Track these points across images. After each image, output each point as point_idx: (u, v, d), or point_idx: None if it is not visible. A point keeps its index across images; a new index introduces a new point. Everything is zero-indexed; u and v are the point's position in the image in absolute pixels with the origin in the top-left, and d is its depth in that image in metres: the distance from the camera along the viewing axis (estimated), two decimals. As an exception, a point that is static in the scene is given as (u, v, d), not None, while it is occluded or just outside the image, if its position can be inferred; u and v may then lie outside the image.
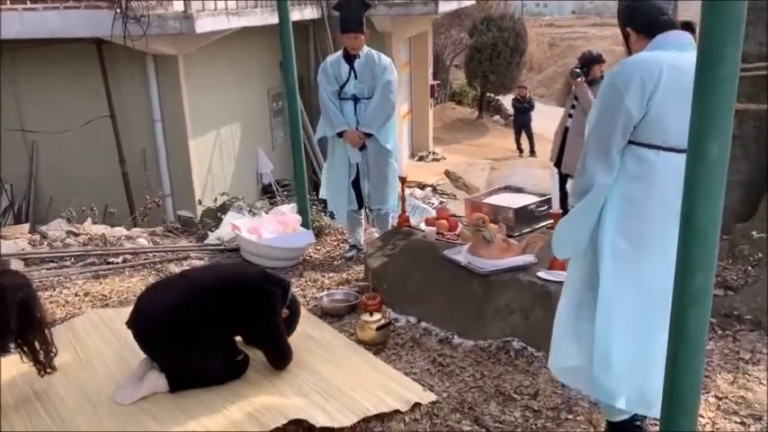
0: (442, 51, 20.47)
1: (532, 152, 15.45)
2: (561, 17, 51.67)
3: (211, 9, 6.44)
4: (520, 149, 15.70)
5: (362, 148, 4.57)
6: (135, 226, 5.77)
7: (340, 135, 4.53)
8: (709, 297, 1.72)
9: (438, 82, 17.17)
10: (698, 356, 1.76)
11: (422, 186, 11.29)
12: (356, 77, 4.46)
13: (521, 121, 15.64)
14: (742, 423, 2.68)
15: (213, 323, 2.85)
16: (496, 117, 20.52)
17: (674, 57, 2.12)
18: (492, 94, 20.37)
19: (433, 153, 14.47)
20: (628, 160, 2.18)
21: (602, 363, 2.24)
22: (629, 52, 2.32)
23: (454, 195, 11.15)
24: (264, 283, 3.02)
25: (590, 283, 2.29)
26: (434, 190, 11.16)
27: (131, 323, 2.88)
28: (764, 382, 2.94)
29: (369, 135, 4.50)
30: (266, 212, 5.26)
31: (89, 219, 5.34)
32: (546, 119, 16.37)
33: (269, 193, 8.62)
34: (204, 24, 6.18)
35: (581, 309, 2.33)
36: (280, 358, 3.03)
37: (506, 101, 19.98)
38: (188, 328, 2.80)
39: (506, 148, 16.23)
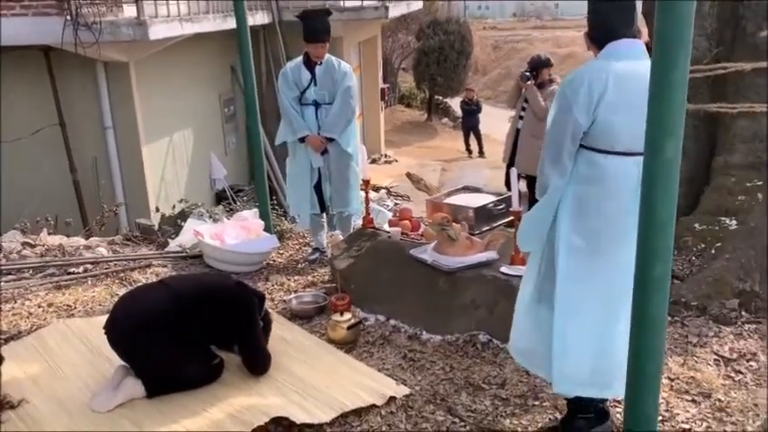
0: (390, 55, 20.69)
1: (481, 153, 15.78)
2: (503, 20, 52.73)
3: (164, 15, 6.39)
4: (469, 150, 16.01)
5: (324, 152, 4.64)
6: (91, 235, 5.69)
7: (302, 140, 4.60)
8: (667, 285, 1.88)
9: (388, 85, 17.35)
10: (659, 340, 1.92)
11: (376, 189, 11.41)
12: (316, 84, 4.54)
13: (469, 123, 15.97)
14: (693, 401, 2.88)
15: (193, 330, 2.89)
16: (445, 119, 20.86)
17: (624, 65, 2.25)
18: (440, 97, 20.71)
19: (385, 155, 14.62)
20: (580, 163, 2.32)
21: (561, 351, 2.39)
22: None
23: (408, 197, 11.30)
24: (244, 293, 3.09)
25: (548, 274, 2.45)
26: (389, 192, 11.29)
27: (108, 329, 2.89)
28: (711, 363, 3.17)
29: (330, 140, 4.58)
30: (228, 218, 5.27)
31: (45, 229, 5.24)
32: (493, 120, 16.76)
33: (223, 199, 8.59)
34: (158, 31, 6.14)
35: (540, 297, 2.49)
36: (260, 365, 3.09)
37: (454, 103, 20.34)
38: (167, 335, 2.83)
39: (456, 150, 16.52)
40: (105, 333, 2.90)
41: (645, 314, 1.93)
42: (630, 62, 2.25)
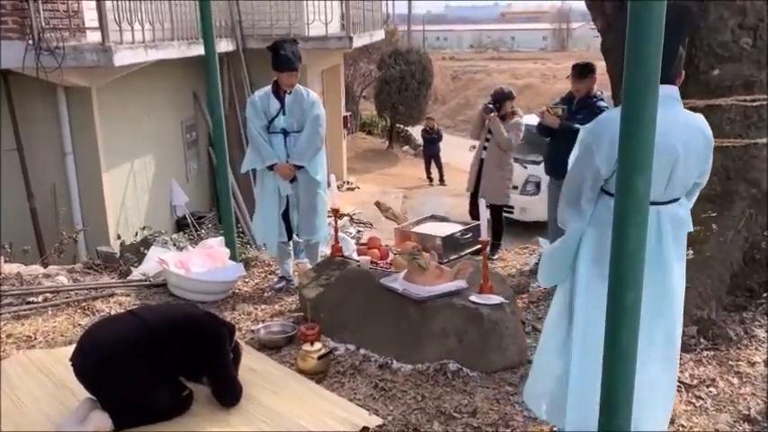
0: (352, 83, 20.88)
1: (442, 181, 15.99)
2: (461, 51, 53.94)
3: (129, 41, 6.35)
4: (430, 179, 16.21)
5: (293, 180, 4.66)
6: (49, 263, 5.55)
7: (270, 168, 4.61)
8: (638, 313, 1.96)
9: (350, 113, 17.49)
10: (630, 366, 1.99)
11: (339, 216, 11.41)
12: (285, 113, 4.57)
13: (430, 152, 16.19)
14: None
15: (163, 362, 2.85)
16: (406, 147, 21.09)
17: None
18: (401, 125, 20.96)
19: (348, 182, 14.68)
20: (600, 206, 2.35)
21: (578, 398, 2.38)
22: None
23: (371, 224, 11.35)
24: (213, 324, 3.07)
25: (567, 316, 2.48)
26: (351, 219, 11.31)
27: (75, 360, 2.82)
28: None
29: (299, 167, 4.60)
30: (192, 246, 5.21)
31: (1, 257, 5.09)
32: (453, 149, 17.03)
33: (184, 226, 8.48)
34: (122, 57, 6.09)
35: (560, 341, 2.51)
36: (231, 396, 3.07)
37: (415, 131, 20.60)
38: (137, 366, 2.78)
39: (417, 177, 16.70)
40: (72, 364, 2.83)
41: (616, 342, 1.99)
42: (663, 110, 2.19)
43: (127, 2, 6.39)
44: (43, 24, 5.87)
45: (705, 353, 3.56)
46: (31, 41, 5.82)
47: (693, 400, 3.16)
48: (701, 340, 3.64)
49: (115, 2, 6.16)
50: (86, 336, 2.93)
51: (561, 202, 2.42)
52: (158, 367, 2.84)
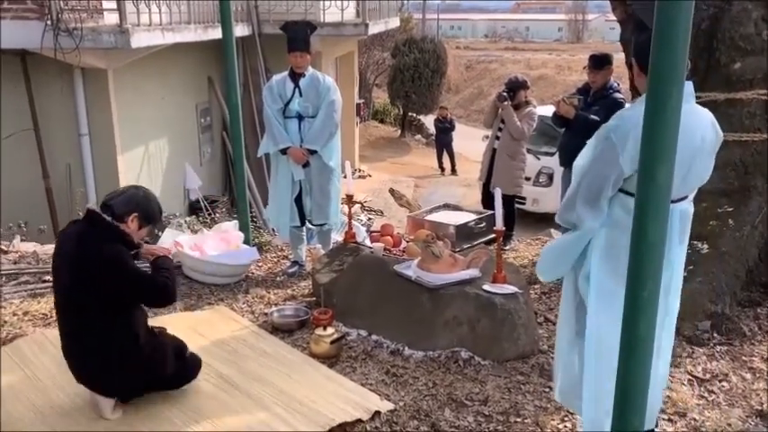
0: (365, 71, 20.82)
1: (453, 171, 15.95)
2: (475, 40, 53.58)
3: (146, 24, 6.36)
4: (442, 168, 16.16)
5: (306, 165, 4.67)
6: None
7: (284, 152, 4.62)
8: (656, 306, 1.95)
9: (363, 101, 17.45)
10: (647, 358, 1.99)
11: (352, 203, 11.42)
12: (301, 95, 4.57)
13: (442, 141, 16.13)
14: (669, 420, 2.97)
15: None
16: (418, 136, 21.02)
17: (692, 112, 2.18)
18: (414, 114, 20.88)
19: (359, 170, 14.67)
20: (615, 207, 2.29)
21: (592, 395, 2.37)
22: (632, 81, 2.41)
23: (381, 212, 11.35)
24: (104, 253, 2.69)
25: (581, 308, 2.45)
26: (363, 207, 11.32)
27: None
28: (685, 383, 3.26)
29: (313, 152, 4.60)
30: (207, 229, 5.24)
31: (18, 236, 5.14)
32: (465, 139, 16.98)
33: (197, 209, 8.52)
34: (140, 39, 6.11)
35: (575, 337, 2.49)
36: (160, 297, 2.89)
37: (428, 120, 20.53)
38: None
39: (429, 167, 16.66)
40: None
41: (633, 334, 1.99)
42: (692, 106, 2.19)
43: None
44: (62, 5, 5.88)
45: (718, 347, 3.56)
46: (49, 22, 5.84)
47: (706, 395, 3.16)
48: (715, 335, 3.63)
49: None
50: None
51: (576, 200, 2.34)
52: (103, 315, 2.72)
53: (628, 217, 2.12)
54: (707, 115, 2.37)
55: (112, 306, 2.70)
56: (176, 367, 2.97)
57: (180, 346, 3.05)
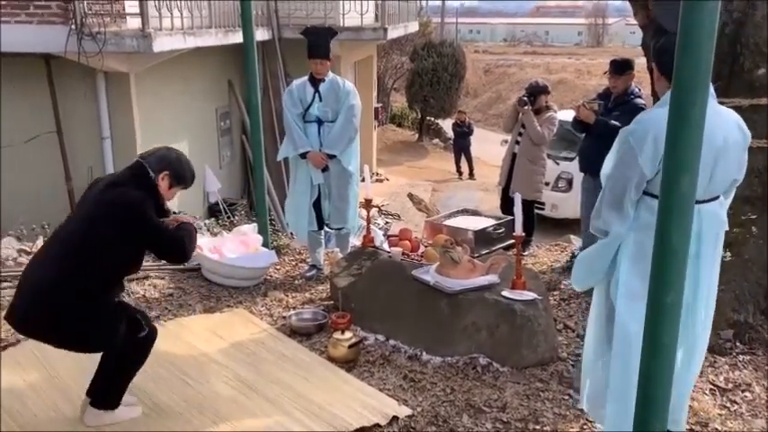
0: (383, 75, 20.84)
1: (471, 175, 15.90)
2: (494, 44, 53.47)
3: (168, 28, 6.43)
4: (459, 172, 16.13)
5: (325, 169, 4.68)
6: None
7: (303, 156, 4.64)
8: (679, 312, 1.93)
9: (381, 105, 17.47)
10: (669, 365, 1.97)
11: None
12: (321, 100, 4.59)
13: (460, 145, 16.10)
14: (691, 430, 2.93)
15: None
16: (436, 140, 21.00)
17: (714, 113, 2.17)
18: (432, 118, 20.86)
19: (377, 174, 14.69)
20: (642, 210, 2.31)
21: (617, 395, 2.37)
22: (653, 86, 2.42)
23: (399, 216, 11.35)
24: (129, 195, 2.70)
25: (610, 318, 2.45)
26: (380, 211, 11.33)
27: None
28: (707, 392, 3.22)
29: (332, 157, 4.62)
30: (226, 232, 5.27)
31: (40, 237, 5.21)
32: (483, 143, 16.93)
33: (216, 212, 8.58)
34: (162, 43, 6.17)
35: (603, 346, 2.48)
36: (177, 253, 2.86)
37: (445, 124, 20.50)
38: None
39: (446, 171, 16.63)
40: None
41: (656, 341, 1.97)
42: (715, 105, 2.20)
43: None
44: (86, 10, 5.97)
45: (741, 357, 3.51)
46: (73, 26, 5.92)
47: (728, 405, 3.12)
48: (737, 344, 3.58)
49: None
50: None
51: (602, 205, 2.36)
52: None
53: (654, 218, 2.10)
54: (731, 116, 2.36)
55: (111, 256, 2.65)
56: (124, 344, 2.77)
57: (136, 325, 2.83)
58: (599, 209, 2.38)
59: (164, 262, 5.03)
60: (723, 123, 2.29)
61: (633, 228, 2.33)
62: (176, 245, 2.80)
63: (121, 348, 2.74)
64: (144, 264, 4.97)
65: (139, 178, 2.75)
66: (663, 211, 1.86)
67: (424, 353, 3.54)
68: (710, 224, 2.33)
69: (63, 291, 2.60)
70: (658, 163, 2.17)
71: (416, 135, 20.75)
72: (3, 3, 6.00)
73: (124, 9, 6.58)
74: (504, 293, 3.50)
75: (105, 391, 2.81)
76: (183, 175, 2.89)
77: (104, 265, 2.66)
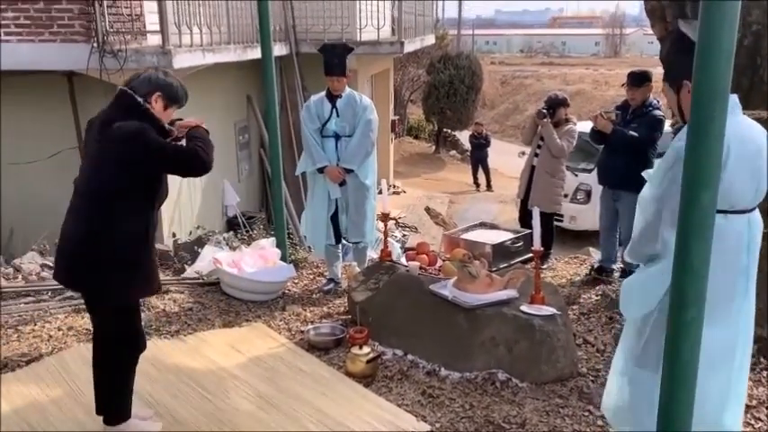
0: (400, 87, 20.92)
1: (489, 187, 15.87)
2: (510, 55, 53.49)
3: (188, 44, 6.52)
4: (477, 184, 16.10)
5: (342, 183, 4.71)
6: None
7: (321, 171, 4.67)
8: (700, 330, 1.91)
9: (398, 117, 17.53)
10: (691, 383, 1.94)
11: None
12: (338, 115, 4.63)
13: (478, 157, 16.08)
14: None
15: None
16: (453, 152, 21.01)
17: (733, 123, 2.13)
18: (449, 130, 20.89)
19: (394, 186, 14.71)
20: None
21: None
22: (679, 103, 2.35)
23: (416, 228, 11.35)
24: (124, 127, 2.62)
25: (654, 338, 2.30)
26: (397, 223, 11.33)
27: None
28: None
29: (349, 171, 4.65)
30: (245, 246, 5.31)
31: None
32: (500, 155, 16.91)
33: (234, 225, 8.65)
34: (182, 60, 6.25)
35: (643, 362, 2.36)
36: (195, 164, 2.75)
37: (462, 136, 20.51)
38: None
39: (463, 182, 16.62)
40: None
41: (677, 359, 1.95)
42: (735, 117, 2.16)
43: (187, 6, 6.55)
44: (107, 28, 6.07)
45: (765, 373, 3.45)
46: (95, 44, 6.03)
47: (752, 422, 3.07)
48: (761, 359, 3.52)
49: (175, 2, 6.32)
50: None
51: (661, 228, 2.23)
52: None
53: (716, 231, 2.06)
54: (755, 122, 2.34)
55: (130, 192, 2.62)
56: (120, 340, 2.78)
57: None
58: (653, 232, 2.22)
59: (182, 276, 5.10)
60: (758, 131, 2.28)
61: None
62: (192, 157, 2.70)
63: (117, 346, 2.76)
64: (163, 278, 5.05)
65: (129, 107, 2.65)
66: (683, 229, 1.84)
67: (443, 368, 3.53)
68: (758, 233, 2.29)
69: (97, 239, 2.60)
70: (720, 172, 2.10)
71: (433, 147, 20.78)
72: (27, 22, 6.11)
73: (145, 26, 6.68)
74: (523, 308, 3.48)
75: (111, 402, 2.81)
76: (175, 93, 2.78)
77: (127, 203, 2.63)
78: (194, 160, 2.71)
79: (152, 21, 6.64)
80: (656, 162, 5.20)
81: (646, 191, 2.34)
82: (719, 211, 2.10)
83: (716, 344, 2.17)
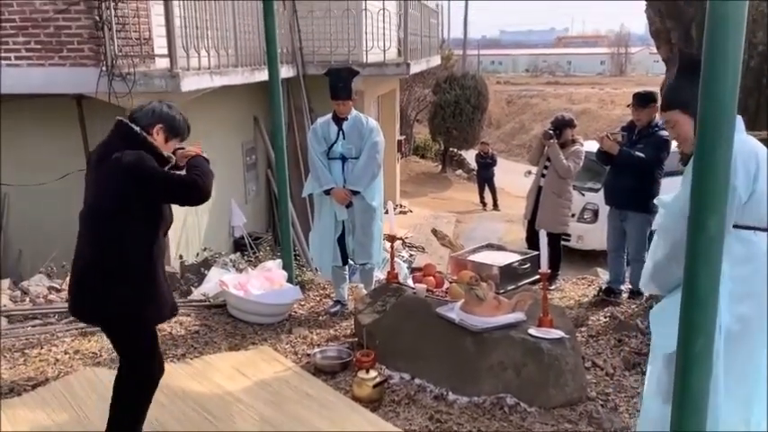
0: (406, 107, 21.03)
1: (495, 206, 15.85)
2: (516, 75, 53.73)
3: (195, 67, 6.58)
4: (483, 203, 16.09)
5: (349, 205, 4.72)
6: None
7: (327, 192, 4.68)
8: (710, 360, 1.89)
9: (404, 137, 17.59)
10: (701, 413, 1.91)
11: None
12: (344, 137, 4.65)
13: (484, 176, 16.09)
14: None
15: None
16: (459, 171, 21.03)
17: (748, 138, 2.20)
18: (455, 149, 20.93)
19: (400, 206, 14.71)
20: (733, 244, 2.19)
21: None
22: (679, 136, 2.36)
23: (423, 248, 11.32)
24: (124, 157, 2.62)
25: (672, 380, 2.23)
26: (404, 243, 11.30)
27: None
28: None
29: (355, 193, 4.66)
30: (252, 268, 5.31)
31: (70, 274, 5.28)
32: (506, 174, 16.91)
33: (241, 246, 8.66)
34: (189, 83, 6.30)
35: (664, 405, 2.29)
36: (193, 191, 2.76)
37: (469, 155, 20.54)
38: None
39: (470, 202, 16.60)
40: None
41: (686, 389, 1.93)
42: (740, 135, 2.15)
43: (195, 29, 6.63)
44: (116, 52, 6.14)
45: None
46: (104, 68, 6.09)
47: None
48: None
49: (183, 26, 6.39)
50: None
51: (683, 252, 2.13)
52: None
53: (747, 250, 2.11)
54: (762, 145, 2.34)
55: (132, 221, 2.63)
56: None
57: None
58: (677, 257, 2.12)
59: (189, 298, 5.09)
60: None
61: (726, 261, 2.08)
62: (190, 187, 2.71)
63: (135, 378, 2.77)
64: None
65: (127, 137, 2.67)
66: (689, 256, 1.82)
67: (450, 392, 3.50)
68: None
69: (102, 269, 2.61)
70: (752, 184, 2.14)
71: (440, 166, 20.81)
72: (38, 47, 6.19)
73: (153, 50, 6.75)
74: (531, 331, 3.46)
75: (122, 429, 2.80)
76: (177, 126, 2.80)
77: (130, 231, 2.63)
78: (192, 190, 2.73)
79: (160, 44, 6.71)
80: (664, 182, 5.17)
81: (664, 221, 2.30)
82: (753, 228, 2.12)
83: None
